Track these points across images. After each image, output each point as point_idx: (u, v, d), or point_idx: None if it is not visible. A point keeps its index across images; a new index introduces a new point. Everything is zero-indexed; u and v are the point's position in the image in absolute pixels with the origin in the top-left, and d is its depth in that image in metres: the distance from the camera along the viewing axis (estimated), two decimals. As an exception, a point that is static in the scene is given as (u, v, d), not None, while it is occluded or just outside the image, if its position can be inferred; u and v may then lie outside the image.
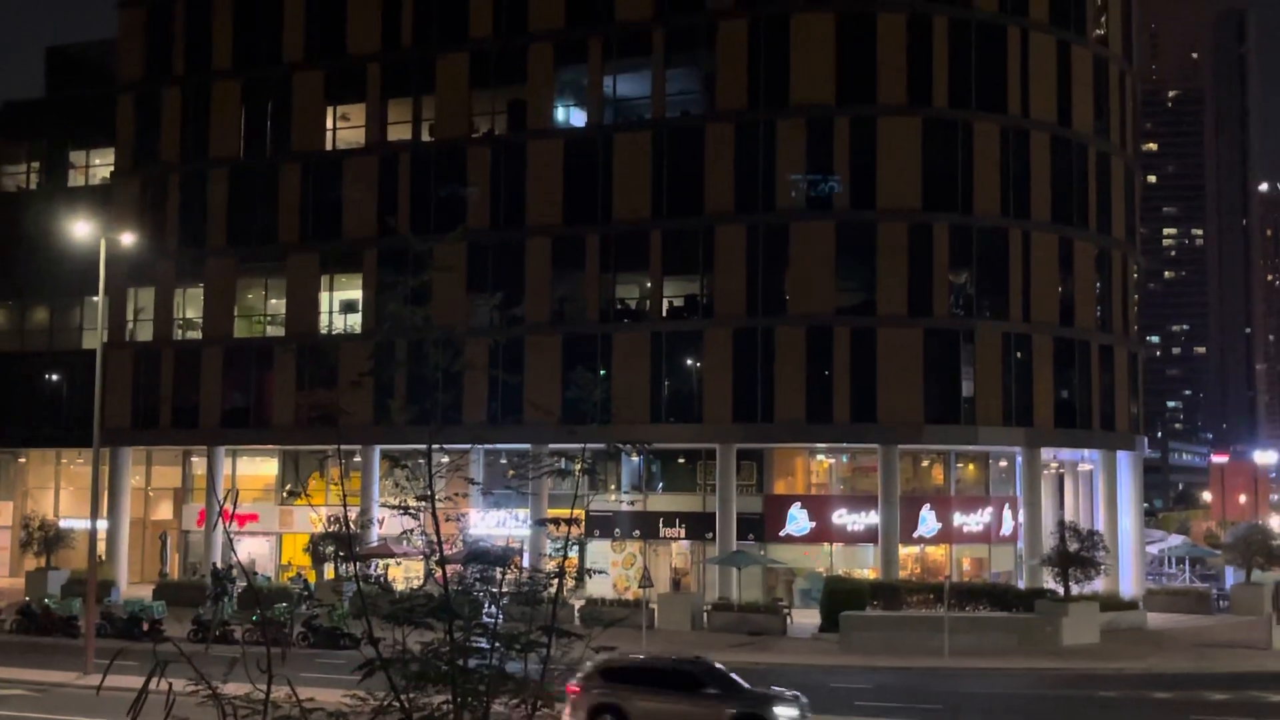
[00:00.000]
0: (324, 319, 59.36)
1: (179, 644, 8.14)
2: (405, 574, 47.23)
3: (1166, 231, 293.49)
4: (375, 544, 42.66)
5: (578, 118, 57.35)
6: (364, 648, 8.86)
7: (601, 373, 52.42)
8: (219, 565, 49.69)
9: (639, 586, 46.17)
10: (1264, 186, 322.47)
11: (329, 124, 60.11)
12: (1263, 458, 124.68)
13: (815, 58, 52.53)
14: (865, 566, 52.89)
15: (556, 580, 9.14)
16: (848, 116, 52.34)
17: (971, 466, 56.57)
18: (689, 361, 54.31)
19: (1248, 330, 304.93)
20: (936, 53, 52.69)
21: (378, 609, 9.03)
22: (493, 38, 56.85)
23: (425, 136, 58.29)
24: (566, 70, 57.00)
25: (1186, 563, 70.80)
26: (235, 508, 18.66)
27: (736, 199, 52.94)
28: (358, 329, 57.63)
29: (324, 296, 59.52)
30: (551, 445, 44.09)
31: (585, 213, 54.85)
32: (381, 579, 9.65)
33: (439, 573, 9.06)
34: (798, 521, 52.66)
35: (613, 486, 55.00)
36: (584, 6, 55.64)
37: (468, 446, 10.66)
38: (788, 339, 52.00)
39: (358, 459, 55.39)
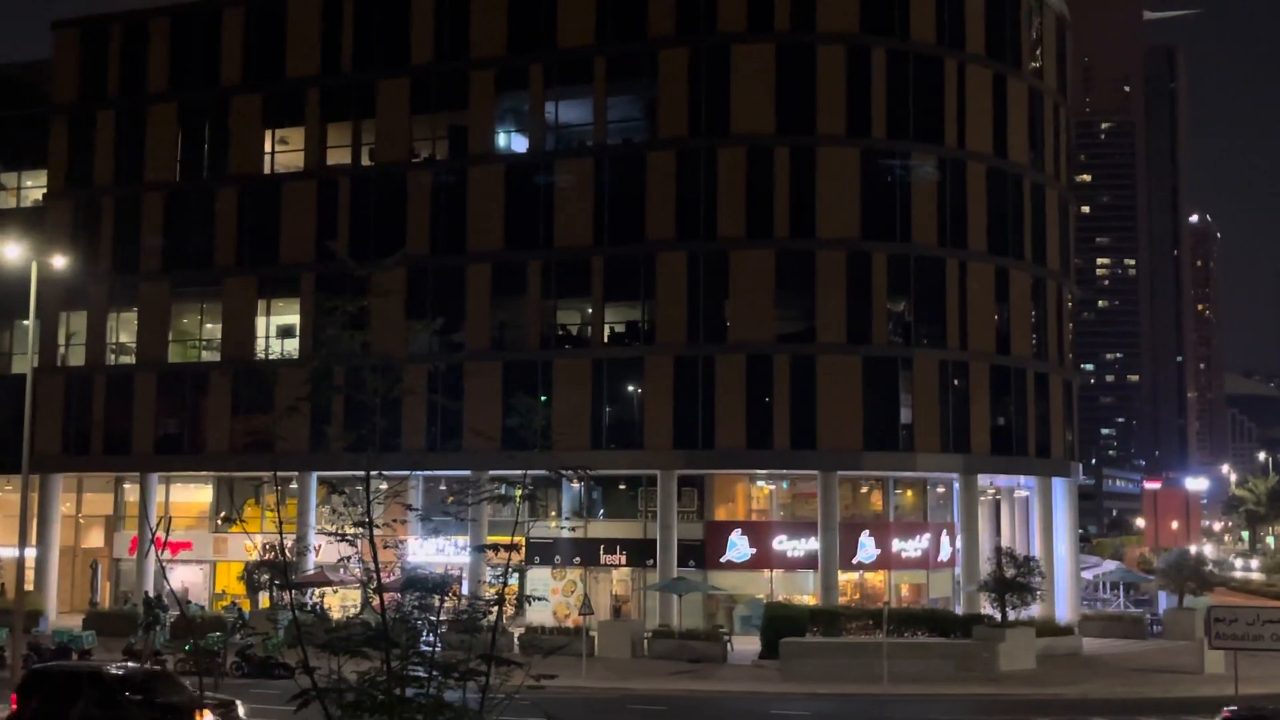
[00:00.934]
0: (261, 344, 58.74)
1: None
2: (342, 602, 46.66)
3: (1100, 261, 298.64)
4: (312, 572, 42.11)
5: (519, 144, 57.37)
6: (299, 677, 8.72)
7: (543, 399, 52.26)
8: (151, 594, 48.80)
9: (579, 614, 45.94)
10: (1194, 218, 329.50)
11: (267, 147, 59.65)
12: (1194, 484, 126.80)
13: (755, 87, 52.97)
14: (805, 593, 53.02)
15: (495, 608, 9.06)
16: (787, 146, 52.78)
17: (910, 493, 56.98)
18: (630, 388, 54.31)
19: (1179, 359, 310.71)
20: (875, 84, 53.33)
21: (313, 638, 8.90)
22: (434, 63, 56.76)
23: (365, 161, 58.01)
24: (508, 96, 57.02)
25: (1121, 588, 71.67)
26: (168, 535, 18.35)
27: (678, 226, 53.14)
28: (295, 354, 57.05)
29: (261, 321, 58.89)
30: (492, 471, 43.60)
31: (526, 239, 54.80)
32: (318, 607, 9.54)
33: (376, 601, 8.95)
34: (738, 548, 52.71)
35: (553, 513, 54.77)
36: (526, 33, 55.74)
37: (406, 473, 10.58)
38: (728, 366, 52.18)
39: (294, 485, 54.75)
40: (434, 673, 8.54)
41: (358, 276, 9.43)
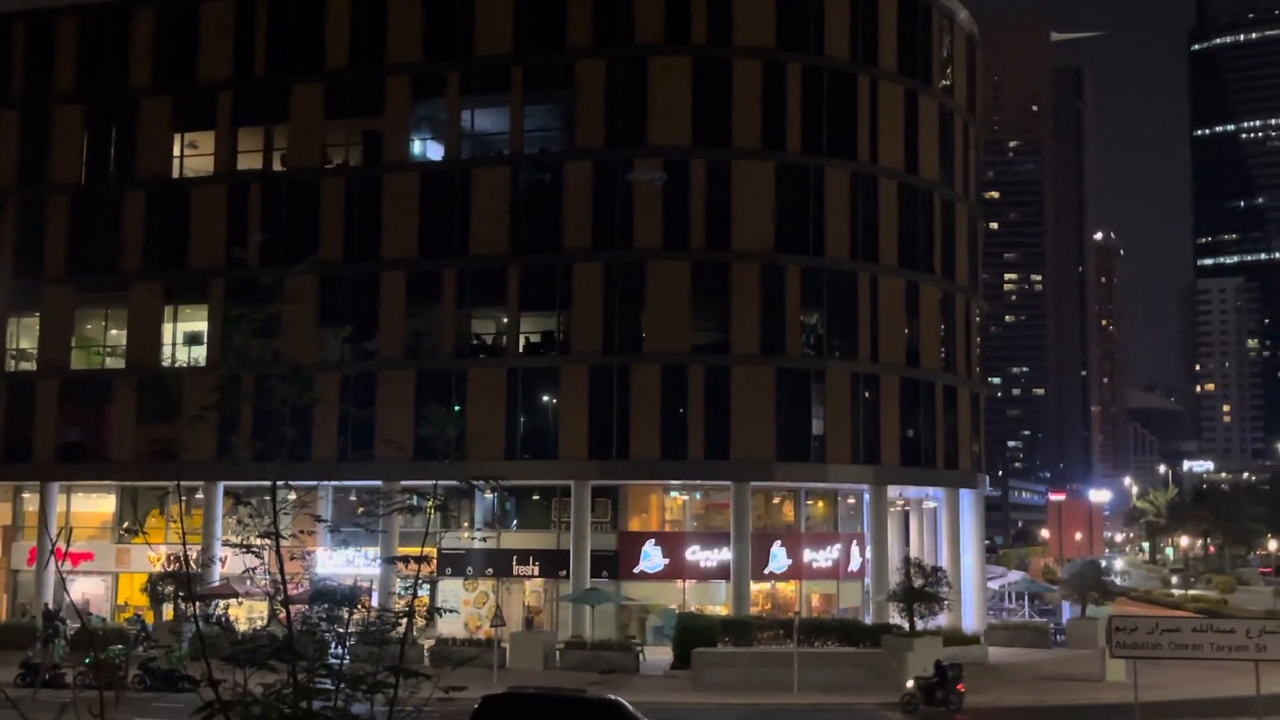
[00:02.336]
0: (167, 351, 57.62)
1: (5, 689, 7.75)
2: (249, 614, 45.86)
3: (1008, 277, 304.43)
4: (218, 583, 41.38)
5: (435, 151, 57.02)
6: (203, 690, 8.56)
7: (456, 409, 51.95)
8: (50, 606, 47.57)
9: (491, 625, 45.69)
10: (1099, 235, 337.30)
11: (176, 151, 58.62)
12: (1097, 496, 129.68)
13: (672, 100, 53.24)
14: (718, 603, 53.24)
15: (405, 620, 8.98)
16: (704, 159, 53.12)
17: (821, 504, 57.52)
18: (545, 398, 54.19)
19: (1083, 373, 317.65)
20: (790, 99, 53.89)
21: (218, 650, 8.75)
22: (349, 68, 56.25)
23: (277, 166, 57.25)
24: (424, 103, 56.68)
25: (1026, 598, 73.01)
26: (68, 546, 17.93)
27: (594, 237, 53.18)
28: (203, 362, 56.06)
29: (168, 328, 57.79)
30: (404, 481, 43.40)
31: (442, 247, 54.46)
32: (223, 619, 9.38)
33: (283, 613, 8.83)
34: (652, 558, 52.80)
35: (466, 524, 54.41)
36: (442, 40, 55.47)
37: (315, 483, 10.44)
38: (643, 377, 52.29)
39: (200, 496, 53.78)
40: (341, 685, 8.43)
41: (268, 283, 9.29)
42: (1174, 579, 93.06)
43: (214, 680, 8.23)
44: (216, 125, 57.87)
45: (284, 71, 56.96)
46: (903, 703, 37.88)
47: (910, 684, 38.46)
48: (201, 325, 57.47)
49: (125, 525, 57.77)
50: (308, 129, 56.68)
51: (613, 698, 27.28)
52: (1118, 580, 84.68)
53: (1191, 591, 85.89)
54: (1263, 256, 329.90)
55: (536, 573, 53.89)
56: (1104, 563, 76.02)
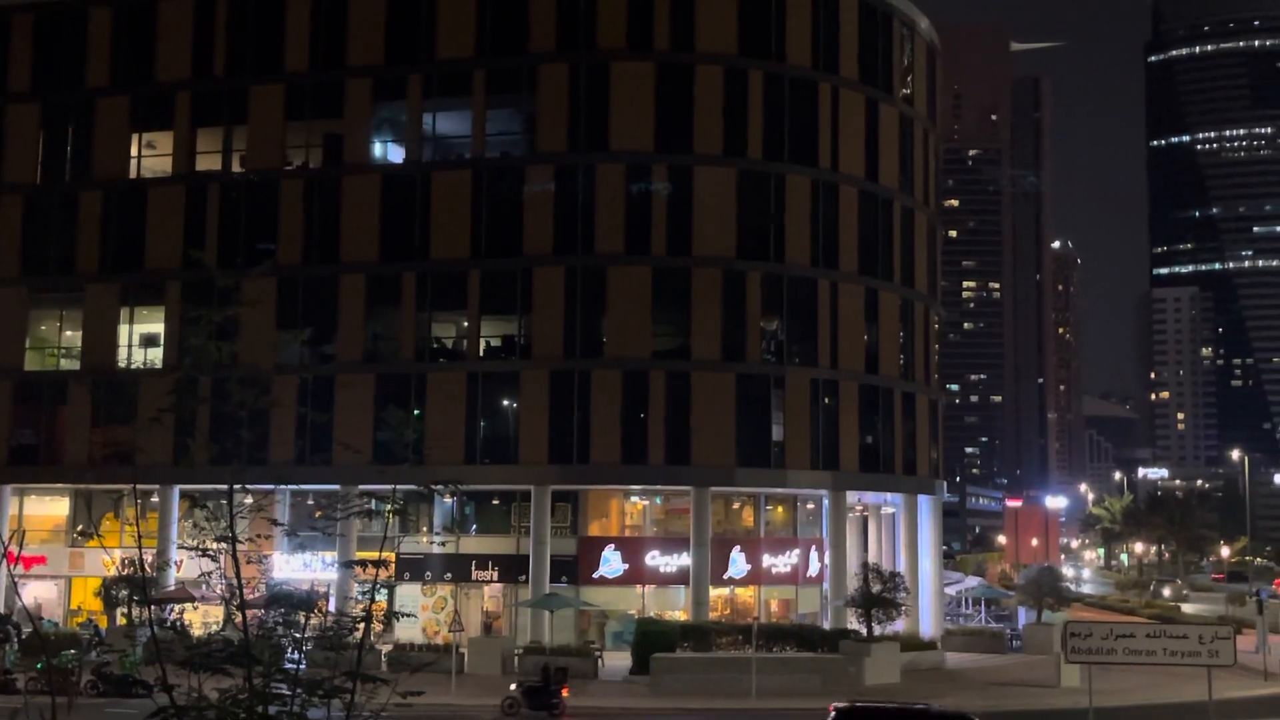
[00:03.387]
0: (123, 353, 57.03)
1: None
2: (204, 619, 45.48)
3: (966, 284, 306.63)
4: (173, 587, 40.99)
5: (396, 154, 56.79)
6: (157, 695, 8.49)
7: (416, 413, 51.73)
8: (1, 610, 46.95)
9: (449, 630, 45.50)
10: (1056, 244, 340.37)
11: (134, 151, 58.06)
12: (1054, 503, 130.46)
13: (635, 105, 53.28)
14: (677, 608, 53.27)
15: (362, 624, 8.94)
16: (665, 164, 53.19)
17: (780, 509, 57.69)
18: (505, 402, 54.06)
19: (1040, 380, 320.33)
20: (752, 105, 54.06)
21: (172, 655, 8.68)
22: (309, 70, 55.93)
23: (236, 167, 56.83)
24: (385, 106, 56.44)
25: (982, 603, 73.51)
26: (21, 549, 17.72)
27: (556, 241, 53.12)
28: (159, 364, 55.51)
29: (124, 329, 57.21)
30: (362, 486, 43.02)
31: (402, 250, 54.23)
32: (178, 624, 9.30)
33: (239, 617, 8.77)
34: (611, 563, 52.75)
35: (424, 528, 54.15)
36: (404, 43, 55.26)
37: (272, 486, 10.37)
38: (604, 381, 52.27)
39: (156, 499, 53.24)
40: (297, 690, 8.39)
41: (225, 286, 9.23)
42: (1165, 591, 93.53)
43: (168, 685, 8.16)
44: (174, 126, 57.37)
45: (243, 72, 56.56)
46: (503, 706, 37.78)
47: (513, 687, 38.42)
48: (158, 327, 56.91)
49: (79, 528, 57.09)
50: (267, 131, 56.30)
51: (961, 709, 27.68)
52: (1087, 589, 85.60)
53: (1192, 596, 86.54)
54: (1217, 266, 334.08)
55: (495, 578, 53.70)
56: (1070, 570, 77.13)
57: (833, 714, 28.38)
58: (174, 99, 57.19)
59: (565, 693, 37.89)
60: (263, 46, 56.53)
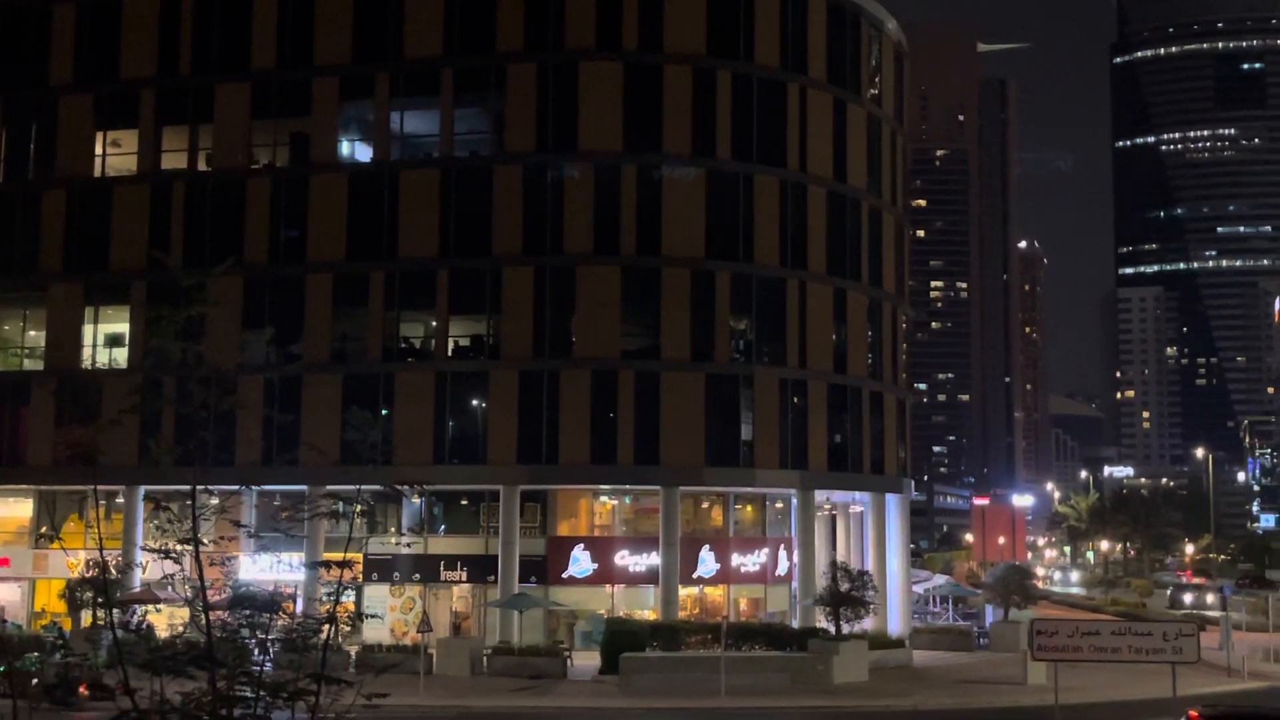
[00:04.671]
0: (87, 353, 56.54)
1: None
2: (169, 620, 45.13)
3: (934, 284, 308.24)
4: (138, 589, 40.67)
5: (363, 153, 56.55)
6: (119, 698, 8.41)
7: (384, 413, 51.53)
8: (-37, 614, 46.43)
9: (417, 631, 45.35)
10: (1023, 244, 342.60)
11: (99, 149, 57.57)
12: (1020, 501, 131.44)
13: (603, 105, 53.25)
14: (646, 608, 53.28)
15: (327, 625, 8.89)
16: (634, 164, 53.19)
17: (749, 508, 57.80)
18: (474, 402, 53.92)
19: (1007, 379, 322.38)
20: (720, 106, 54.13)
21: (135, 657, 8.60)
22: (276, 68, 55.60)
23: (202, 166, 56.44)
24: (352, 105, 56.19)
25: (950, 601, 73.88)
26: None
27: (524, 241, 53.03)
28: (124, 364, 55.08)
29: (88, 329, 56.71)
30: (329, 486, 42.89)
31: (370, 250, 54.00)
32: (142, 626, 9.24)
33: (203, 619, 8.69)
34: (580, 563, 52.72)
35: (392, 529, 53.96)
36: (372, 41, 55.02)
37: (237, 488, 10.29)
38: (573, 381, 52.22)
39: (120, 500, 52.81)
40: (261, 693, 8.33)
41: (189, 285, 9.15)
42: (1172, 592, 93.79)
43: (129, 688, 8.09)
44: (139, 124, 56.93)
45: (210, 70, 56.17)
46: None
47: (34, 681, 38.03)
48: (123, 327, 56.45)
49: (42, 530, 56.51)
50: (233, 129, 55.94)
51: None
52: (1074, 590, 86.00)
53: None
54: (1181, 266, 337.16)
55: (464, 578, 53.57)
56: (1042, 570, 77.38)
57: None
58: (139, 97, 56.73)
59: (84, 690, 37.14)
60: (229, 44, 56.16)
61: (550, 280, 52.75)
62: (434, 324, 54.50)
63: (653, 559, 52.32)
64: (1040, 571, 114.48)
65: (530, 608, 49.70)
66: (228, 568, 10.14)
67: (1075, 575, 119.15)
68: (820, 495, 57.62)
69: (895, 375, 61.23)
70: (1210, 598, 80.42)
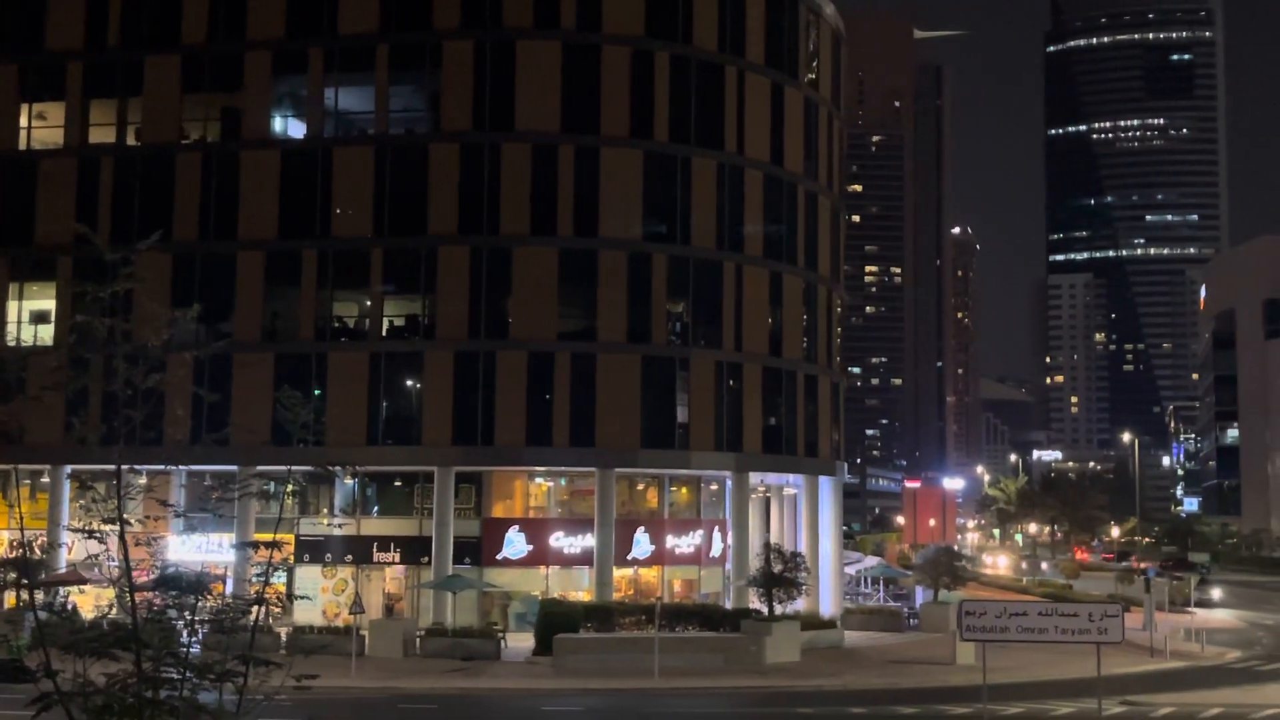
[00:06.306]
0: (12, 330, 55.33)
1: None
2: (96, 602, 44.46)
3: (868, 269, 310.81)
4: (64, 570, 39.95)
5: (296, 129, 55.81)
6: (41, 682, 8.26)
7: (316, 393, 51.01)
8: (-118, 595, 45.39)
9: (350, 612, 45.05)
10: (956, 229, 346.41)
11: (23, 122, 56.31)
12: (951, 484, 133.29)
13: (541, 84, 52.96)
14: (581, 589, 53.33)
15: (255, 607, 8.78)
16: (572, 145, 52.97)
17: (684, 490, 58.00)
18: (409, 383, 53.55)
19: (939, 364, 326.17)
20: (658, 87, 54.04)
21: (58, 639, 8.44)
22: (207, 42, 54.67)
23: (131, 140, 55.41)
24: (285, 80, 55.41)
25: (881, 583, 74.70)
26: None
27: (460, 220, 52.65)
28: (49, 341, 53.99)
29: (13, 305, 55.51)
30: (260, 467, 42.45)
31: (302, 227, 53.35)
32: (65, 607, 9.08)
33: (129, 600, 8.55)
34: (515, 545, 52.63)
35: (324, 510, 53.50)
36: (305, 16, 54.25)
37: (165, 467, 10.13)
38: (509, 363, 52.02)
39: (46, 480, 51.88)
40: (188, 674, 8.21)
41: (113, 260, 8.97)
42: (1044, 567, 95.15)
43: (51, 670, 7.93)
44: (66, 97, 55.74)
45: (139, 43, 55.12)
46: None
47: None
48: (49, 304, 55.37)
49: (-36, 511, 55.39)
50: (163, 103, 54.96)
51: None
52: (968, 565, 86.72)
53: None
54: (1110, 254, 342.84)
55: (397, 560, 53.27)
56: (970, 553, 78.18)
57: None
58: (65, 69, 55.55)
59: None
60: (159, 17, 55.11)
61: (486, 260, 52.45)
62: (368, 303, 54.02)
63: (588, 540, 52.36)
64: (987, 560, 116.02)
65: (464, 589, 49.55)
66: (155, 548, 9.98)
67: (1002, 558, 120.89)
68: (755, 478, 57.94)
69: (830, 359, 61.66)
70: (1215, 593, 78.44)
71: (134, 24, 55.31)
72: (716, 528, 56.74)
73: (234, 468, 45.66)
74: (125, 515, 8.67)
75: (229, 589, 9.84)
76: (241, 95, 54.83)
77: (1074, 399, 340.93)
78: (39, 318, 55.71)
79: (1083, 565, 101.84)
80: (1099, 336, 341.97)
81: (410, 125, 54.86)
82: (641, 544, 53.75)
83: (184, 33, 54.84)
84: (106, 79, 55.63)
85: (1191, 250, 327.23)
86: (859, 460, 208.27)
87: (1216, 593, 79.10)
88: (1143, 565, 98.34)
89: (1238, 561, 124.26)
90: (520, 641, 48.23)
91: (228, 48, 54.41)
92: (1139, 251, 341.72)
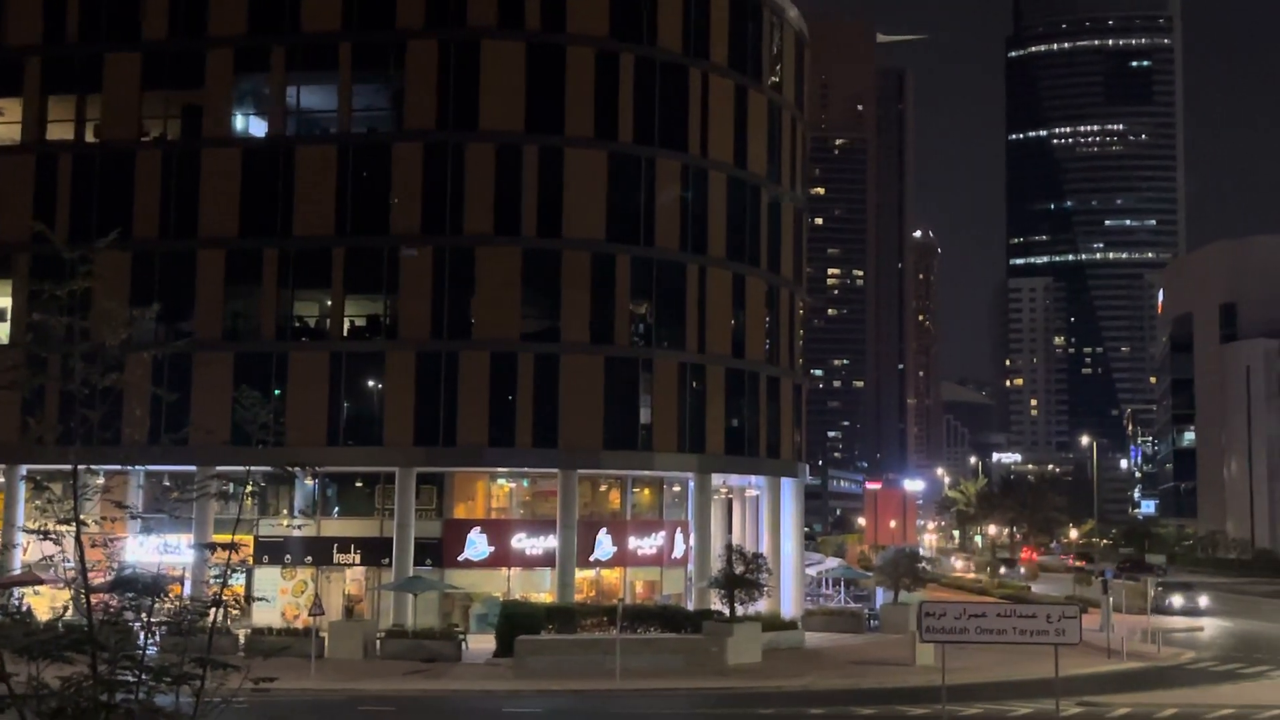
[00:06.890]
0: (-33, 328, 54.66)
1: None
2: (51, 604, 43.96)
3: (831, 271, 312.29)
4: (19, 571, 39.49)
5: (258, 127, 55.42)
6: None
7: (277, 393, 50.65)
8: None
9: (309, 614, 44.77)
10: (918, 233, 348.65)
11: (-20, 118, 55.63)
12: (912, 485, 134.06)
13: (505, 84, 52.85)
14: (543, 590, 53.23)
15: (213, 609, 8.71)
16: (536, 145, 52.90)
17: (647, 491, 58.02)
18: (370, 383, 53.28)
19: (900, 367, 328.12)
20: (623, 89, 54.06)
21: (11, 641, 8.34)
22: (168, 39, 54.20)
23: (90, 137, 54.84)
24: (247, 78, 55.02)
25: (842, 584, 75.00)
26: None
27: (423, 220, 52.46)
28: (5, 339, 53.37)
29: (-32, 303, 54.84)
30: (219, 467, 42.06)
31: (264, 226, 52.99)
32: (21, 609, 8.99)
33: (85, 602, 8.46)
34: (477, 546, 52.46)
35: (284, 511, 53.14)
36: (267, 13, 53.88)
37: (121, 467, 10.03)
38: (472, 363, 51.87)
39: (0, 479, 51.26)
40: (144, 676, 8.13)
41: (72, 258, 8.88)
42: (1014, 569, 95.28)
43: (5, 673, 7.84)
44: (24, 92, 55.10)
45: (99, 39, 54.57)
46: None
47: None
48: (4, 301, 54.74)
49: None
50: (123, 100, 54.43)
51: None
52: (929, 567, 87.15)
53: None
54: (1070, 258, 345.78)
55: (358, 561, 52.98)
56: (930, 555, 78.50)
57: None
58: (23, 64, 54.91)
59: None
60: (119, 13, 54.59)
61: (449, 261, 52.28)
62: (329, 303, 53.70)
63: (550, 542, 52.27)
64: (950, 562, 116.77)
65: (425, 590, 49.35)
66: (112, 549, 9.88)
67: (959, 561, 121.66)
68: (717, 479, 58.05)
69: (792, 361, 61.86)
70: (1203, 600, 68.59)
71: (94, 20, 54.76)
72: (679, 529, 56.79)
73: (193, 468, 45.33)
74: (82, 516, 8.59)
75: (187, 590, 9.76)
76: (202, 93, 54.39)
77: (1033, 401, 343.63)
78: (-5, 316, 55.04)
79: (1041, 568, 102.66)
80: (1058, 340, 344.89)
81: (373, 124, 54.61)
82: (604, 545, 53.72)
83: (144, 29, 54.37)
84: (65, 75, 55.07)
85: (1150, 255, 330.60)
86: (820, 462, 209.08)
87: (1204, 600, 69.01)
88: (1078, 563, 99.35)
89: (1194, 563, 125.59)
90: (481, 643, 48.07)
91: (189, 45, 53.97)
92: (1098, 256, 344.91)
